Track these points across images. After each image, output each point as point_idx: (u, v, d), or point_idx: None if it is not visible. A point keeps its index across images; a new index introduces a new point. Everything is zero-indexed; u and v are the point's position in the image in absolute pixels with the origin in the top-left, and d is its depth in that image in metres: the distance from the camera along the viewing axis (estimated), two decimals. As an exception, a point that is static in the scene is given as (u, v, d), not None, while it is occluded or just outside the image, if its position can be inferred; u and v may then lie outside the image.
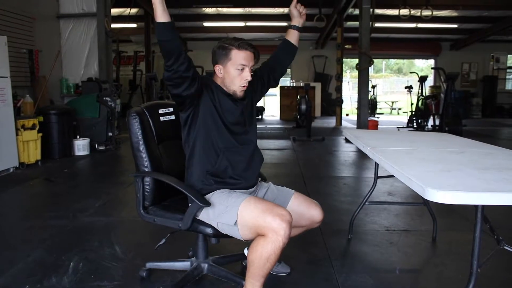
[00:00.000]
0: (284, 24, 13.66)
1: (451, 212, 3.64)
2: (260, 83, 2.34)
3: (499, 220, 3.15)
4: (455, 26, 14.19)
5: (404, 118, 12.99)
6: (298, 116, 10.03)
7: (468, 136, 3.73)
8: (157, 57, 14.61)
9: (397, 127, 11.16)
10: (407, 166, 1.84)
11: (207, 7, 12.68)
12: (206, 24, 14.08)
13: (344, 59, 12.65)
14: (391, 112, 17.64)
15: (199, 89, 1.99)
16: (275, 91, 19.05)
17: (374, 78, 21.22)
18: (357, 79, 9.29)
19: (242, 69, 2.06)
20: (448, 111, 8.78)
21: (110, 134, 7.26)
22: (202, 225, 2.03)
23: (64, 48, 8.27)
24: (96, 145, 7.13)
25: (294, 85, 15.42)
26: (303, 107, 9.08)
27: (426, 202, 3.03)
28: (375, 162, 2.75)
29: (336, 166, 6.42)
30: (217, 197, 2.00)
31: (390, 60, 30.82)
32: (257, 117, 2.54)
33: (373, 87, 15.28)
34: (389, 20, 12.67)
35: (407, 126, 11.14)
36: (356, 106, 9.31)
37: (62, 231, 3.33)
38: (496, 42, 15.49)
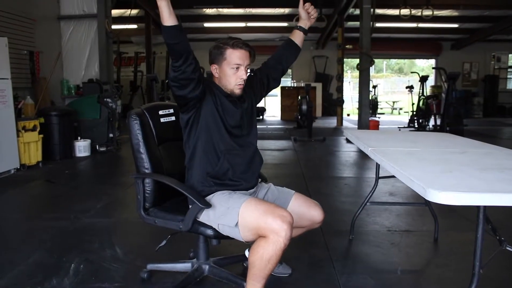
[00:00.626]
0: (285, 24, 13.69)
1: (452, 212, 3.63)
2: (260, 85, 2.33)
3: (501, 220, 3.14)
4: (456, 25, 14.17)
5: (405, 118, 12.97)
6: (299, 117, 10.02)
7: (470, 136, 3.73)
8: (158, 58, 14.64)
9: (398, 127, 11.15)
10: (408, 166, 1.83)
11: (207, 8, 12.67)
12: (206, 25, 14.09)
13: (344, 59, 12.65)
14: (392, 112, 17.63)
15: (203, 91, 1.99)
16: (276, 92, 19.09)
17: (375, 78, 21.22)
18: (358, 79, 9.28)
19: (237, 68, 2.06)
20: (449, 111, 8.76)
21: (111, 135, 7.26)
22: (203, 226, 2.02)
23: (65, 50, 8.27)
24: (97, 146, 7.13)
25: (295, 85, 15.41)
26: (304, 107, 9.07)
27: (427, 203, 3.02)
28: (376, 163, 2.74)
29: (337, 167, 6.41)
30: (218, 198, 1.99)
31: (391, 60, 30.79)
32: (258, 118, 2.54)
33: (374, 87, 15.27)
34: (390, 20, 12.65)
35: (408, 126, 11.11)
36: (357, 106, 9.31)
37: (63, 233, 3.33)
38: (497, 42, 15.46)
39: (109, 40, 8.40)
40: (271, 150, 7.55)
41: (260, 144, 2.23)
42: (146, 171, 2.16)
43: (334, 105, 13.59)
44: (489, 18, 13.30)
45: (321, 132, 9.91)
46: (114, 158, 6.90)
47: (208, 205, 1.93)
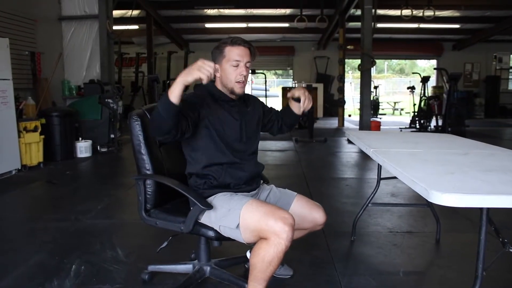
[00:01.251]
0: (286, 25, 13.67)
1: (454, 213, 3.61)
2: (264, 113, 2.35)
3: (504, 222, 3.13)
4: (457, 26, 14.14)
5: (407, 119, 12.95)
6: (301, 117, 10.00)
7: (471, 136, 3.71)
8: (159, 58, 14.65)
9: (400, 128, 11.13)
10: (410, 168, 1.82)
11: (208, 9, 12.67)
12: (208, 25, 14.09)
13: (346, 60, 12.63)
14: (393, 113, 17.60)
15: (196, 121, 1.98)
16: (277, 92, 19.07)
17: (376, 79, 21.17)
18: (359, 80, 9.27)
19: (237, 65, 2.05)
20: (451, 112, 8.75)
21: (112, 136, 7.26)
22: (204, 228, 2.02)
23: (66, 50, 8.27)
24: (98, 147, 7.13)
25: (296, 86, 15.40)
26: (305, 108, 9.04)
27: (429, 204, 3.01)
28: (378, 164, 2.73)
29: (338, 167, 6.40)
30: (219, 200, 1.99)
31: (392, 60, 30.77)
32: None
33: (376, 87, 15.25)
34: (391, 20, 12.65)
35: (410, 127, 11.10)
36: (359, 107, 9.29)
37: (64, 234, 3.32)
38: (498, 42, 15.42)
39: (110, 41, 8.40)
40: (272, 151, 7.54)
41: (262, 144, 2.23)
42: (147, 172, 2.15)
43: (335, 106, 13.57)
44: (490, 18, 13.26)
45: (322, 133, 9.90)
46: (115, 159, 6.90)
47: (210, 207, 1.92)
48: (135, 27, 13.08)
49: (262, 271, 1.82)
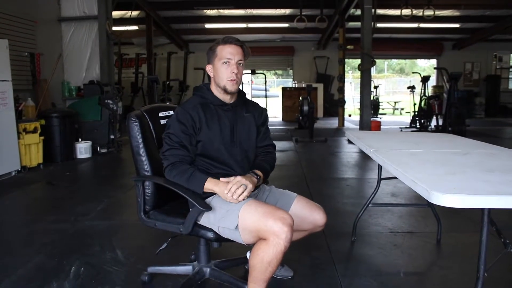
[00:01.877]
0: (286, 25, 13.67)
1: (455, 213, 3.60)
2: (260, 127, 2.28)
3: (506, 222, 3.11)
4: (457, 25, 14.13)
5: (407, 119, 12.94)
6: (301, 117, 10.00)
7: (472, 136, 3.70)
8: (159, 59, 14.65)
9: (400, 128, 11.12)
10: (411, 168, 1.81)
11: (208, 9, 12.67)
12: (207, 26, 14.09)
13: (346, 60, 12.62)
14: (393, 113, 17.60)
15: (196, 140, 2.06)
16: (277, 92, 19.05)
17: (376, 79, 21.17)
18: (359, 80, 9.26)
19: (228, 63, 2.05)
20: (451, 111, 8.74)
21: (112, 136, 7.25)
22: (203, 229, 2.00)
23: (66, 51, 8.26)
24: (98, 148, 7.12)
25: (296, 86, 15.40)
26: (305, 108, 9.05)
27: (430, 204, 2.99)
28: (378, 164, 2.72)
29: (339, 167, 6.39)
30: (218, 201, 1.97)
31: (392, 60, 30.76)
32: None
33: (376, 87, 15.24)
34: (391, 20, 12.64)
35: (410, 127, 11.08)
36: (359, 107, 9.29)
37: (64, 235, 3.31)
38: (498, 41, 15.41)
39: (110, 42, 8.39)
40: (273, 151, 7.51)
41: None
42: (146, 173, 2.14)
43: (335, 106, 13.57)
44: (490, 17, 13.26)
45: (322, 133, 9.90)
46: (115, 159, 6.89)
47: (208, 208, 1.91)
48: (135, 27, 13.08)
49: (262, 272, 1.81)
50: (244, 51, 2.09)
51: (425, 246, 3.09)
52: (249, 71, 13.56)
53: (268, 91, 16.40)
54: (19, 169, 5.53)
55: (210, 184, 1.95)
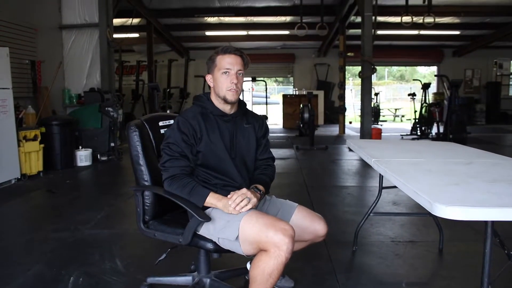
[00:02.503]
0: (286, 32, 13.69)
1: (457, 222, 3.53)
2: (260, 139, 2.27)
3: (509, 232, 3.09)
4: (457, 32, 14.16)
5: (408, 126, 12.93)
6: (301, 125, 10.00)
7: (473, 143, 3.68)
8: (160, 66, 14.66)
9: (401, 135, 11.11)
10: (413, 178, 1.79)
11: (209, 17, 12.70)
12: (208, 33, 14.11)
13: (346, 67, 12.64)
14: (394, 120, 17.60)
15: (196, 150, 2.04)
16: (277, 99, 19.06)
17: (377, 86, 21.17)
18: (359, 87, 9.25)
19: (227, 73, 2.04)
20: (452, 119, 8.72)
21: (112, 144, 7.24)
22: (203, 240, 1.98)
23: (67, 59, 8.28)
24: (98, 155, 7.11)
25: (297, 93, 15.41)
26: (306, 115, 9.04)
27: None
28: (380, 173, 2.70)
29: (339, 175, 6.37)
30: (218, 211, 1.95)
31: (393, 67, 30.80)
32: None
33: (376, 94, 15.25)
34: (392, 27, 12.66)
35: (411, 134, 11.07)
36: (359, 114, 9.28)
37: (63, 244, 3.29)
38: (498, 48, 15.43)
39: (111, 49, 8.40)
40: (273, 158, 7.49)
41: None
42: (146, 183, 2.12)
43: (336, 113, 13.57)
44: (490, 24, 13.30)
45: (323, 140, 9.88)
46: (115, 167, 6.88)
47: (208, 219, 1.89)
48: (136, 35, 13.11)
49: (263, 283, 1.78)
50: (243, 60, 2.08)
51: (427, 255, 3.07)
52: (250, 78, 13.57)
53: (268, 98, 16.40)
54: (19, 177, 5.51)
55: (212, 199, 1.93)
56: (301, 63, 16.38)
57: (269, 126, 2.40)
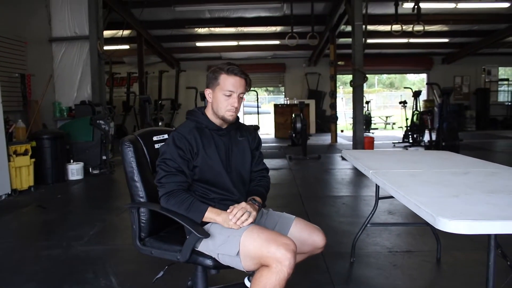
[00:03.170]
0: (277, 42, 13.73)
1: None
2: (254, 151, 2.25)
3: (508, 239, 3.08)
4: (446, 40, 14.32)
5: (399, 133, 12.99)
6: (294, 134, 10.00)
7: (465, 150, 3.68)
8: (150, 78, 14.62)
9: (393, 143, 11.15)
10: (412, 190, 1.78)
11: (199, 27, 12.73)
12: (198, 44, 14.12)
13: (337, 76, 12.69)
14: (385, 127, 17.68)
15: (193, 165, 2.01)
16: (269, 109, 19.06)
17: (367, 93, 21.26)
18: (350, 95, 9.28)
19: (230, 95, 2.01)
20: (444, 126, 8.77)
21: (104, 157, 7.17)
22: (201, 256, 1.94)
23: (57, 72, 8.21)
24: (90, 169, 7.04)
25: (288, 102, 15.42)
26: (298, 125, 9.03)
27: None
28: (376, 184, 2.69)
29: (333, 185, 6.35)
30: (217, 227, 1.92)
31: (382, 74, 31.01)
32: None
33: (367, 102, 15.32)
34: (381, 36, 12.77)
35: (403, 141, 11.12)
36: (351, 122, 9.29)
37: (55, 262, 3.23)
38: (486, 55, 15.63)
39: (101, 61, 8.36)
40: (267, 169, 7.46)
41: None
42: (141, 199, 2.08)
43: (327, 122, 13.60)
44: (478, 32, 13.50)
45: (315, 149, 9.88)
46: (107, 180, 6.80)
47: (207, 235, 1.85)
48: (126, 47, 13.08)
49: (263, 299, 1.75)
50: (247, 83, 2.06)
51: (425, 265, 3.05)
52: (243, 101, 13.54)
53: (260, 107, 16.40)
54: (9, 192, 5.42)
55: (211, 214, 1.90)
56: (292, 73, 16.43)
57: (261, 136, 2.37)
